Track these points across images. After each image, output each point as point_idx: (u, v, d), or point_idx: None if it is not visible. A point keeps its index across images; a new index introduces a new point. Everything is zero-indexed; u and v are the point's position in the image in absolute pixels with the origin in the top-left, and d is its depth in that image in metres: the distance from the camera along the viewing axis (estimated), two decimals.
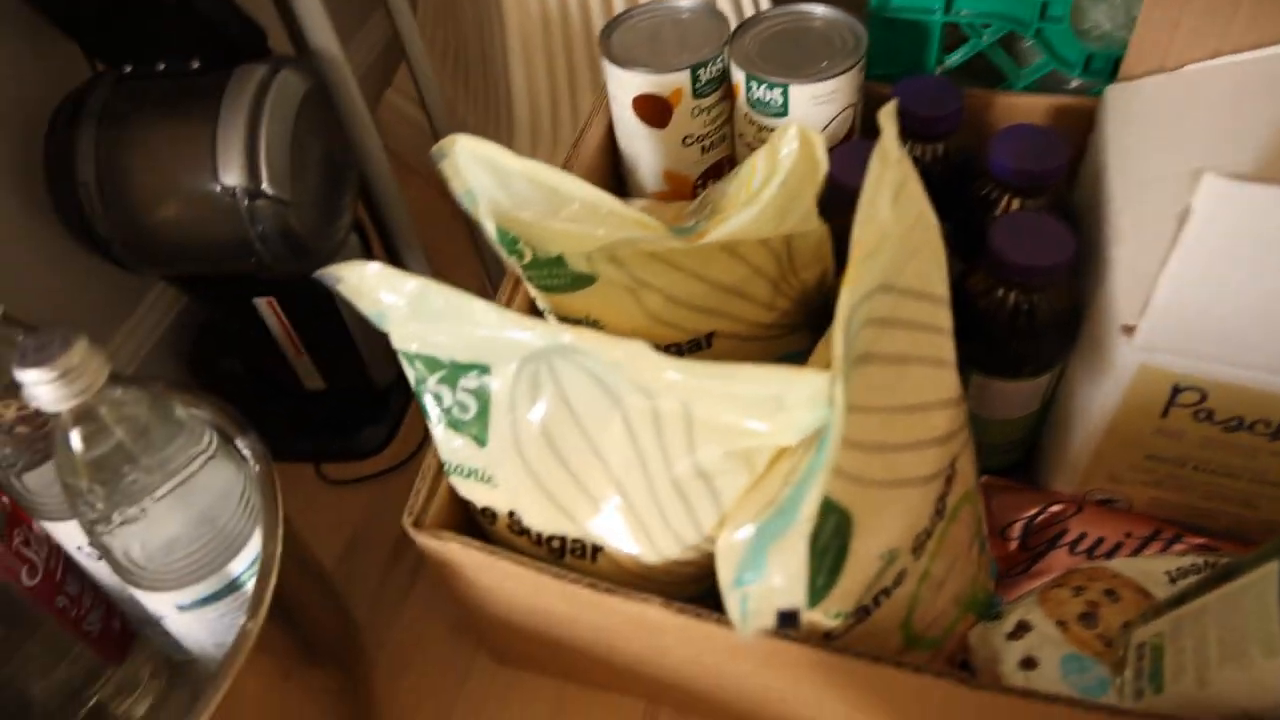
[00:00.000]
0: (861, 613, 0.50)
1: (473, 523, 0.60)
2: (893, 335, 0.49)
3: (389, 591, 0.78)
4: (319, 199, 0.68)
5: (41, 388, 0.45)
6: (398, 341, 0.53)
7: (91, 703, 0.68)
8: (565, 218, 0.56)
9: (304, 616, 0.59)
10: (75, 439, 0.48)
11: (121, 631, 0.68)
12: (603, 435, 0.51)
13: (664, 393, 0.48)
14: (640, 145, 0.72)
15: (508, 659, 0.71)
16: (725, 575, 0.47)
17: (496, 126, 0.92)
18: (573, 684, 0.70)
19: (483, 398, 0.52)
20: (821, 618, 0.49)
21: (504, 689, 0.71)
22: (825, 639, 0.50)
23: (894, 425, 0.50)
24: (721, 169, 0.75)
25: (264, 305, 0.75)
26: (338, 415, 0.86)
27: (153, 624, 0.67)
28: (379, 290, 0.51)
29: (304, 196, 0.65)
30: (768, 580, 0.42)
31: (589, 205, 0.56)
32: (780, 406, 0.44)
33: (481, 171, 0.57)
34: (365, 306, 0.52)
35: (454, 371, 0.52)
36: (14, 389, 0.54)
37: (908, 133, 0.67)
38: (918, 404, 0.51)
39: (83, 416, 0.48)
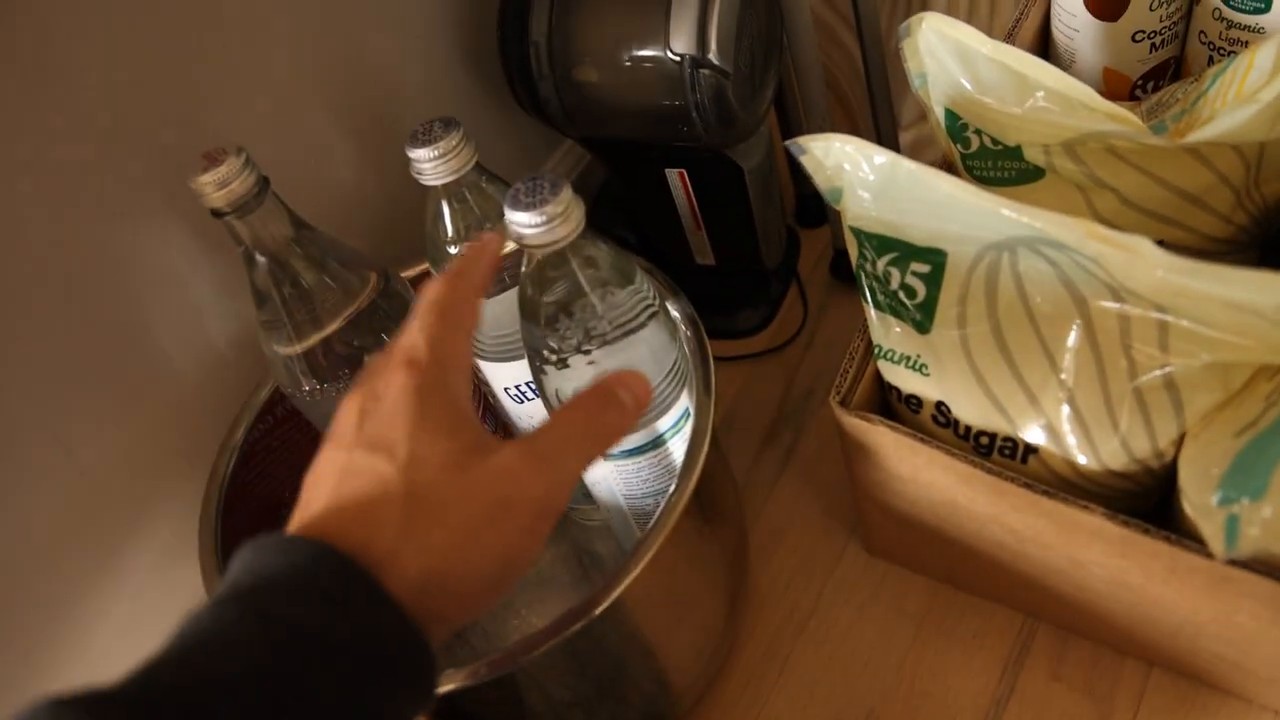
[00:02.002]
0: None
1: (887, 406, 0.60)
2: None
3: (762, 471, 0.79)
4: (750, 72, 0.67)
5: (529, 229, 0.47)
6: (851, 219, 0.52)
7: None
8: (1031, 106, 0.53)
9: (709, 482, 0.60)
10: (544, 281, 0.50)
11: None
12: (1057, 335, 0.49)
13: (1143, 295, 0.45)
14: (1083, 39, 0.68)
15: (882, 552, 0.71)
16: (1198, 493, 0.44)
17: (908, 9, 0.89)
18: (947, 587, 0.69)
19: (933, 284, 0.51)
20: None
21: (875, 581, 0.71)
22: None
23: None
24: (1166, 70, 0.70)
25: (674, 177, 0.76)
26: (720, 293, 0.87)
27: None
28: (845, 163, 0.50)
29: (740, 69, 0.65)
30: (1268, 501, 0.39)
31: (1059, 95, 0.53)
32: None
33: (945, 52, 0.55)
34: (822, 180, 0.52)
35: (908, 254, 0.51)
36: (476, 228, 0.58)
37: None
38: None
39: (555, 261, 0.50)
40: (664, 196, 0.78)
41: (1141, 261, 0.43)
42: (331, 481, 0.37)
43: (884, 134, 0.80)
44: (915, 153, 0.90)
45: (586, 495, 0.66)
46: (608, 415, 0.40)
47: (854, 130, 0.97)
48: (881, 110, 0.78)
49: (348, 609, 0.33)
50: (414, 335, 0.40)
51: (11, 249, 0.55)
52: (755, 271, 0.85)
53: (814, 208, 0.92)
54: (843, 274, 0.87)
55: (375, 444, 0.37)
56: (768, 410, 0.83)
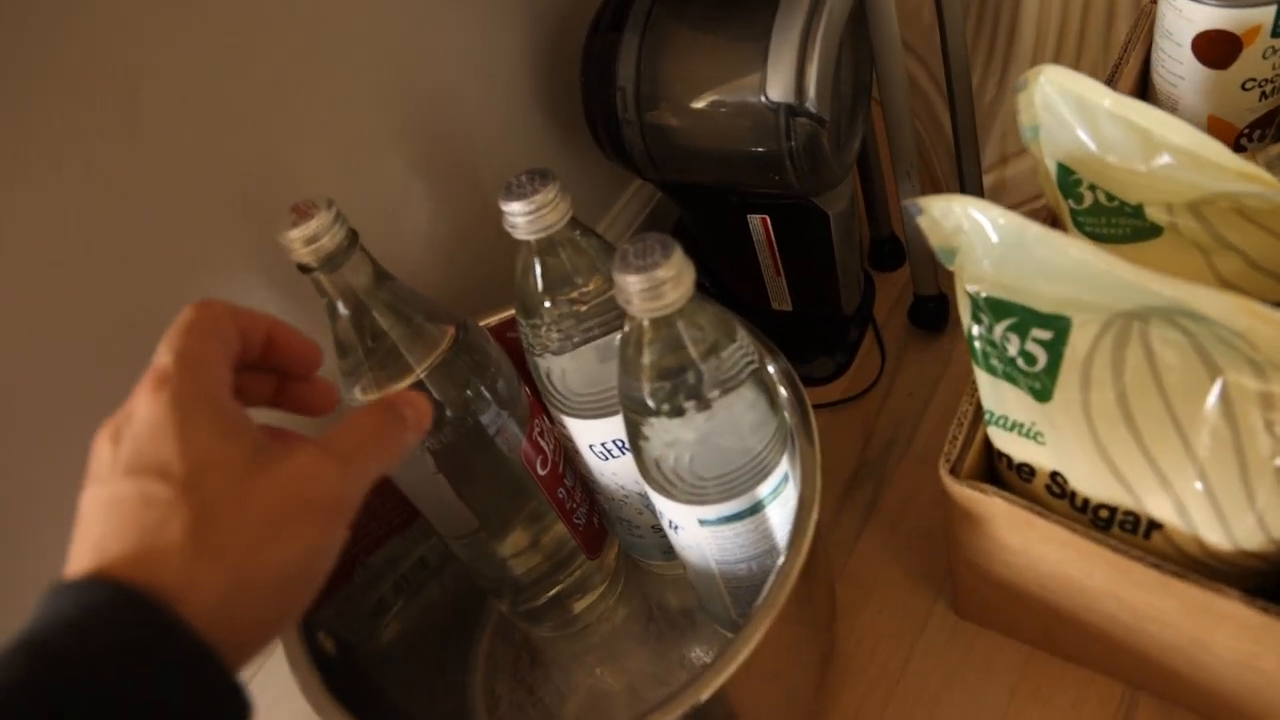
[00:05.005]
0: None
1: (993, 471, 0.57)
2: None
3: (843, 527, 0.77)
4: (841, 119, 0.65)
5: (639, 293, 0.45)
6: (968, 281, 0.50)
7: (552, 592, 0.71)
8: (1157, 164, 0.51)
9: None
10: (648, 344, 0.48)
11: (599, 529, 0.70)
12: (1190, 410, 0.47)
13: None
14: (1189, 86, 0.66)
15: (973, 616, 0.68)
16: None
17: (990, 55, 0.86)
18: (1040, 652, 0.67)
19: (1055, 352, 0.49)
20: None
21: (965, 644, 0.69)
22: None
23: None
24: (1272, 119, 0.67)
25: (756, 222, 0.74)
26: (795, 339, 0.84)
27: (629, 525, 0.69)
28: (965, 224, 0.48)
29: (834, 117, 0.63)
30: None
31: (1187, 152, 0.51)
32: None
33: (1063, 106, 0.53)
34: (938, 240, 0.50)
35: (1028, 320, 0.49)
36: (568, 282, 0.56)
37: None
38: None
39: (661, 324, 0.48)
40: (743, 241, 0.76)
41: None
42: (98, 523, 0.33)
43: (968, 179, 0.78)
44: (994, 198, 0.88)
45: (666, 553, 0.64)
46: (394, 428, 0.41)
47: (928, 173, 0.95)
48: (967, 156, 0.76)
49: (147, 667, 0.30)
50: (159, 355, 0.37)
51: (96, 300, 0.54)
52: (830, 317, 0.83)
53: (889, 250, 0.90)
54: (923, 321, 0.84)
55: (139, 467, 0.34)
56: (847, 462, 0.81)
